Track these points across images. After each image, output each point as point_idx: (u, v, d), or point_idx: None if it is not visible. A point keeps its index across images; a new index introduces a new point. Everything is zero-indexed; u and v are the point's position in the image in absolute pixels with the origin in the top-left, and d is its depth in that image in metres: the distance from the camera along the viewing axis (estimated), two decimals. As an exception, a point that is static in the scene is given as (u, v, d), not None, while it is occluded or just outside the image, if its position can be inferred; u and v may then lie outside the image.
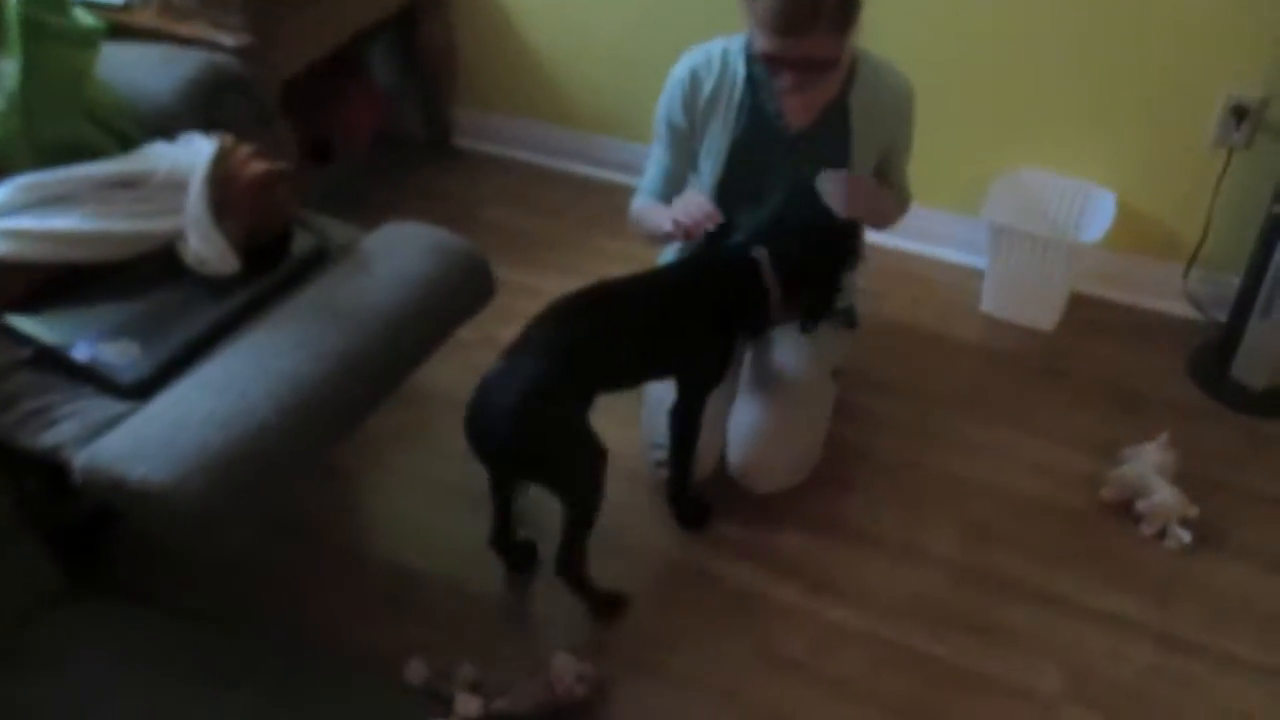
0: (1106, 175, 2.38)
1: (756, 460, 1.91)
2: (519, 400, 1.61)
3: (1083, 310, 2.46)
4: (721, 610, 1.83)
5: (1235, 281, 2.26)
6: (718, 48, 1.86)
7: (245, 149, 1.69)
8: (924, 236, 2.58)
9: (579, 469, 1.68)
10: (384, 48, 2.94)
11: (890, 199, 1.98)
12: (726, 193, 1.90)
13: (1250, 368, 2.22)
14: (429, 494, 2.05)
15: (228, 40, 2.18)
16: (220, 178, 1.64)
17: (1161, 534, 1.94)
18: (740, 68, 1.82)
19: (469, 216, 2.83)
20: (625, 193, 2.95)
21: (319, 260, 1.72)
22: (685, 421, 1.85)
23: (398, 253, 1.71)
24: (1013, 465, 2.10)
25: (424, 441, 2.14)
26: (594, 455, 1.68)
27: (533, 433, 1.63)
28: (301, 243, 1.74)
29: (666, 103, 1.89)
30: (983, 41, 2.37)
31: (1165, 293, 2.46)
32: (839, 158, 1.86)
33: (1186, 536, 1.92)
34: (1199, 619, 1.82)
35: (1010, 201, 2.43)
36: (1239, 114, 2.19)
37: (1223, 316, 2.32)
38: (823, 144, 1.86)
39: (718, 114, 1.85)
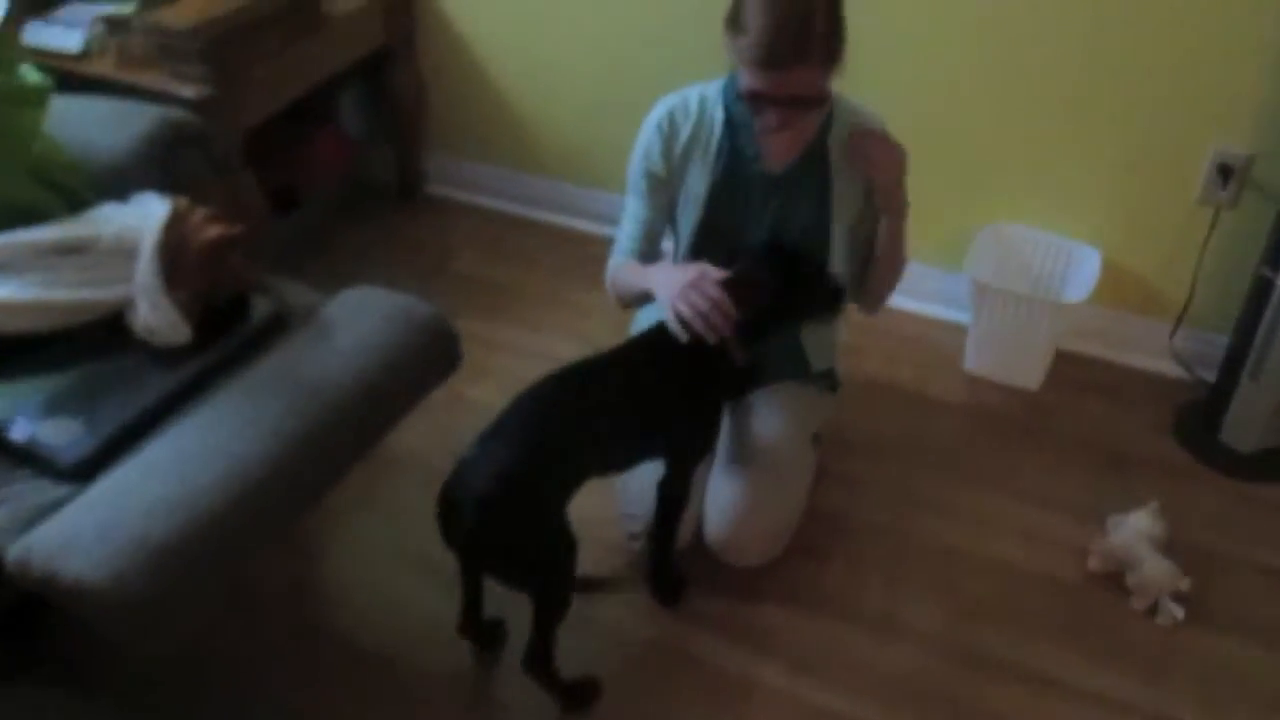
0: (1091, 231, 2.34)
1: (736, 534, 1.83)
2: (489, 490, 1.52)
3: (1068, 368, 2.41)
4: (700, 694, 1.75)
5: (1222, 340, 2.22)
6: (694, 93, 1.81)
7: (201, 212, 1.61)
8: (904, 291, 2.50)
9: (550, 565, 1.59)
10: (354, 94, 2.88)
11: (901, 235, 1.86)
12: (705, 239, 1.84)
13: (1239, 430, 2.17)
14: (392, 565, 1.96)
15: (188, 92, 2.12)
16: (173, 243, 1.56)
17: (1153, 608, 1.88)
18: (718, 111, 1.78)
19: (439, 268, 2.76)
20: (598, 242, 2.91)
21: (277, 328, 1.64)
22: (673, 496, 1.78)
23: (360, 321, 1.63)
24: (998, 533, 2.04)
25: (387, 508, 2.05)
26: (566, 550, 1.60)
27: (503, 525, 1.54)
28: (259, 309, 1.66)
29: (643, 150, 1.82)
30: (966, 94, 2.32)
31: (1151, 351, 2.41)
32: (819, 200, 1.81)
33: (1179, 612, 1.86)
34: (1193, 699, 1.75)
35: (993, 256, 2.38)
36: (1225, 172, 2.15)
37: (1209, 376, 2.28)
38: (802, 187, 1.81)
39: (696, 158, 1.80)
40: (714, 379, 1.76)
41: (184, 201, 1.62)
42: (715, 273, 1.65)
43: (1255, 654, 1.83)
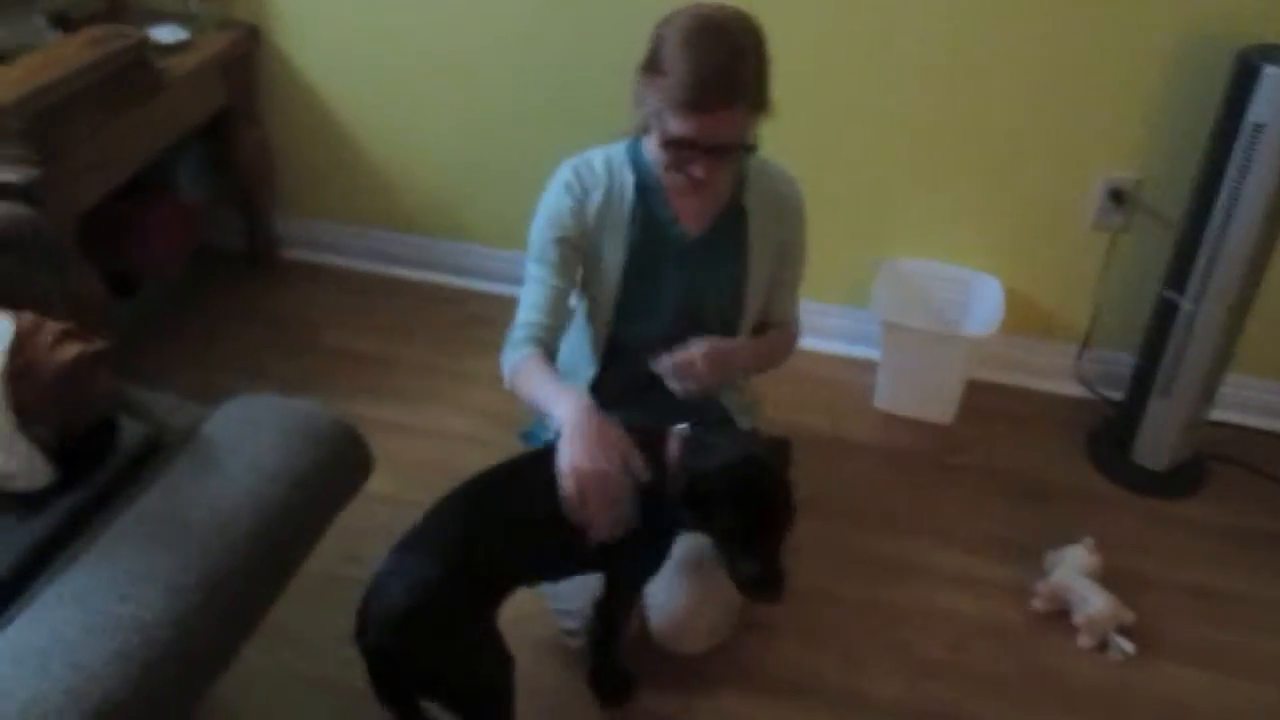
0: (990, 261, 2.33)
1: (681, 623, 1.70)
2: (405, 605, 1.37)
3: (977, 397, 2.38)
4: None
5: (1127, 360, 2.24)
6: (596, 155, 1.68)
7: (51, 327, 1.37)
8: (811, 330, 2.45)
9: (479, 682, 1.44)
10: (191, 159, 2.61)
11: (752, 352, 1.77)
12: (622, 309, 1.73)
13: (1151, 449, 2.19)
14: (296, 693, 1.74)
15: (11, 176, 1.84)
16: (20, 370, 1.32)
17: (1102, 645, 1.85)
18: (627, 175, 1.66)
19: (308, 343, 2.53)
20: (476, 299, 2.75)
21: (154, 454, 1.42)
22: (613, 614, 1.63)
23: (251, 439, 1.42)
24: (938, 583, 1.98)
25: (284, 629, 1.82)
26: (497, 664, 1.44)
27: (421, 642, 1.38)
28: (129, 433, 1.43)
29: (551, 216, 1.66)
30: (858, 130, 2.28)
31: (1058, 374, 2.42)
32: (736, 262, 1.72)
33: (1129, 647, 1.84)
34: (1156, 738, 1.73)
35: (895, 292, 2.34)
36: (1117, 197, 2.17)
37: (1116, 395, 2.29)
38: (719, 249, 1.71)
39: (609, 225, 1.67)
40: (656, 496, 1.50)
41: (29, 318, 1.37)
42: (622, 440, 1.45)
43: (1204, 680, 1.82)
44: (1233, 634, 1.90)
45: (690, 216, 1.68)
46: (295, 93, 2.56)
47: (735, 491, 1.42)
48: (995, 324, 2.18)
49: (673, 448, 1.49)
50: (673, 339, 1.65)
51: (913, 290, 2.37)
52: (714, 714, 1.73)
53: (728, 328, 1.75)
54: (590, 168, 1.67)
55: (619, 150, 1.68)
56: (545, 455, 1.48)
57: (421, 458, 2.20)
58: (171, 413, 1.50)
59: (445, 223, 2.68)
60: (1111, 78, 2.08)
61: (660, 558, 1.61)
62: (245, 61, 2.48)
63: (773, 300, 1.80)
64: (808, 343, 2.46)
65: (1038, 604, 1.92)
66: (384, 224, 2.73)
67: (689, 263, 1.70)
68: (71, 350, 1.35)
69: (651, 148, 1.61)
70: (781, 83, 2.05)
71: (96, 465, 1.38)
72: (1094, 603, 1.86)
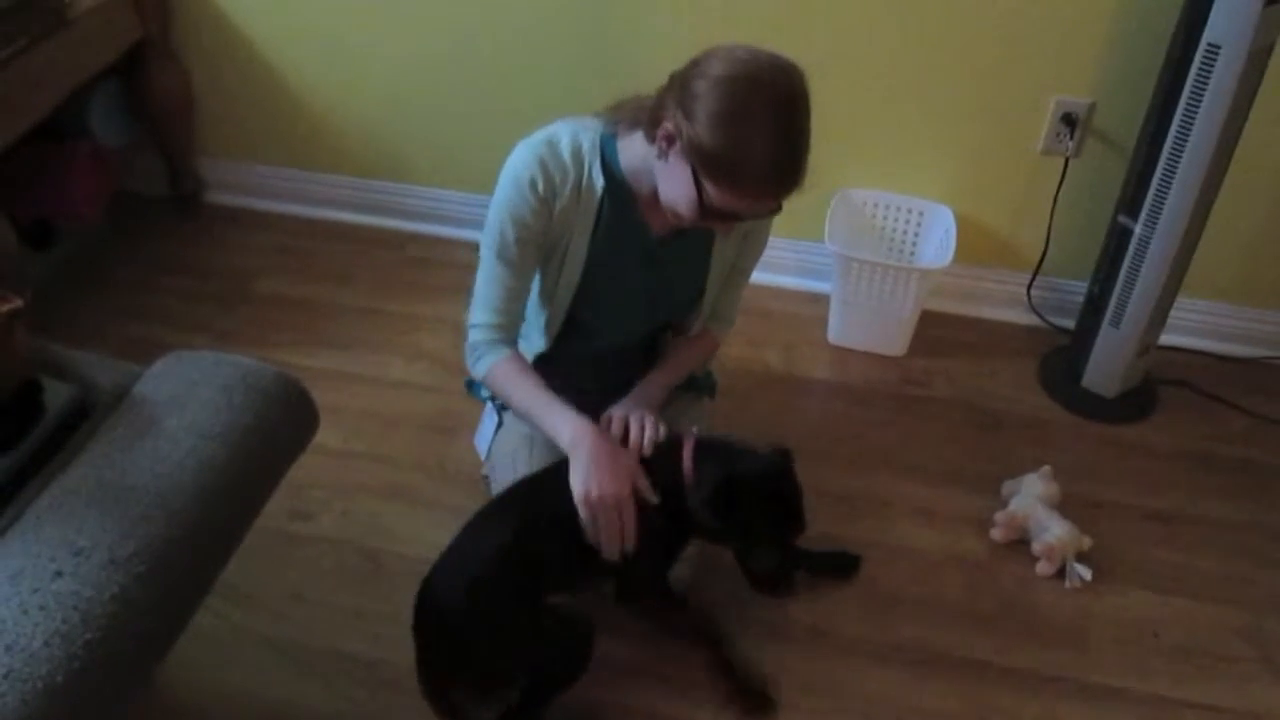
0: (941, 190, 2.29)
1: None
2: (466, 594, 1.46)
3: (930, 328, 2.36)
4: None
5: (1078, 288, 2.23)
6: (564, 141, 1.54)
7: (-39, 286, 1.27)
8: (763, 264, 2.41)
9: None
10: (104, 99, 2.46)
11: (675, 379, 1.77)
12: (584, 298, 1.65)
13: (1102, 376, 2.19)
14: (250, 657, 1.68)
15: (-94, 123, 1.71)
16: (-69, 333, 1.22)
17: (1061, 572, 1.86)
18: (597, 176, 1.54)
19: (241, 292, 2.42)
20: (418, 242, 2.65)
21: (83, 417, 1.33)
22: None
23: (188, 398, 1.33)
24: (898, 515, 1.97)
25: (236, 591, 1.75)
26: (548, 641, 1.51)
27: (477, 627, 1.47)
28: (55, 396, 1.34)
29: (514, 215, 1.54)
30: (805, 60, 2.19)
31: (1010, 303, 2.41)
32: (701, 259, 1.67)
33: (1087, 574, 1.85)
34: (1117, 661, 1.74)
35: (848, 224, 2.30)
36: (1069, 121, 2.14)
37: (1067, 324, 2.28)
38: (685, 249, 1.65)
39: (575, 223, 1.57)
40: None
41: (-63, 275, 1.27)
42: (632, 465, 1.51)
43: (1159, 603, 1.84)
44: (1191, 557, 1.92)
45: (659, 223, 1.59)
46: (217, 26, 2.41)
47: (769, 498, 1.53)
48: (949, 255, 2.15)
49: (687, 457, 1.54)
50: (629, 327, 1.70)
51: (865, 221, 2.34)
52: (682, 661, 1.70)
53: (683, 314, 1.75)
54: (558, 158, 1.53)
55: (589, 138, 1.55)
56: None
57: (365, 406, 2.13)
58: (100, 372, 1.40)
59: (382, 163, 2.57)
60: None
61: (671, 559, 1.64)
62: (158, -11, 2.33)
63: (724, 291, 1.76)
64: (759, 278, 2.41)
65: (996, 534, 1.92)
66: (315, 165, 2.61)
67: (654, 261, 1.64)
68: (-13, 309, 1.26)
69: (633, 157, 1.52)
70: (736, 14, 1.99)
71: (21, 432, 1.28)
72: (1053, 530, 1.86)
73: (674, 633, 1.72)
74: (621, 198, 1.56)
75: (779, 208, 1.45)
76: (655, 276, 1.65)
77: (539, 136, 1.55)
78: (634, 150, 1.51)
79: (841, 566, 1.85)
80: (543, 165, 1.52)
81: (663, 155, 1.43)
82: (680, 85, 1.39)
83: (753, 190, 1.39)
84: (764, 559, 1.58)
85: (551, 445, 1.58)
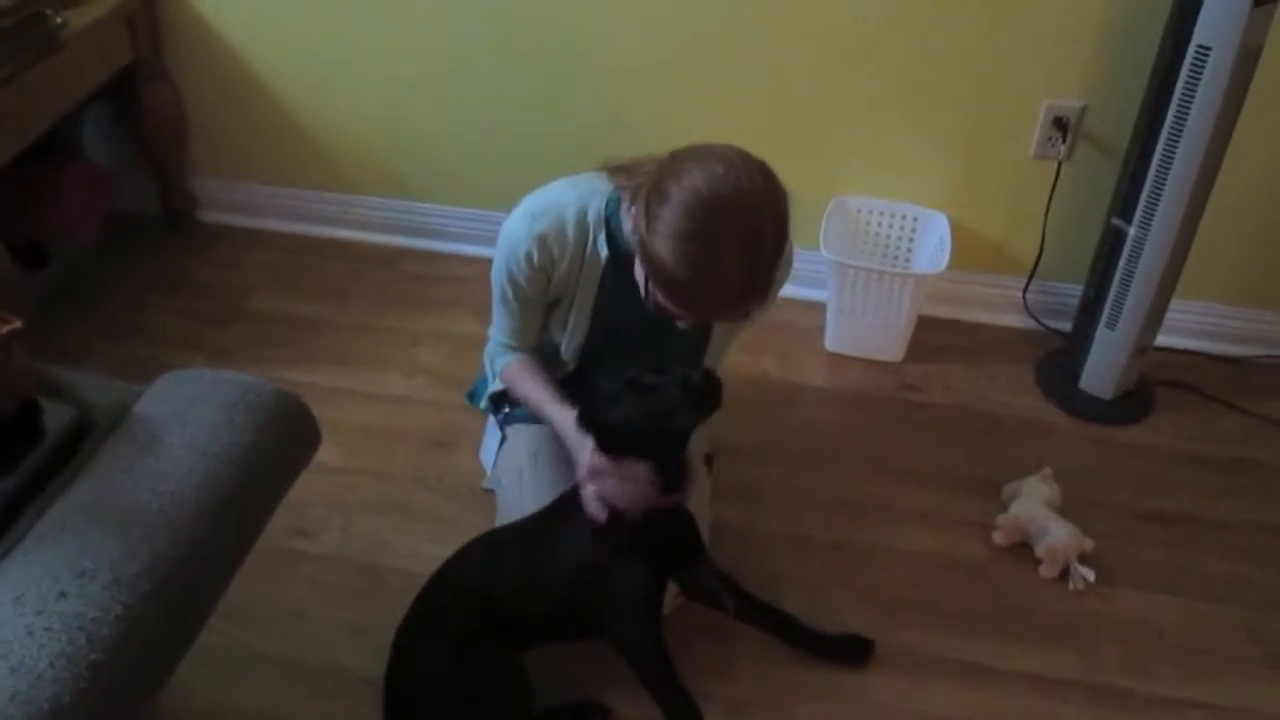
0: (935, 196, 2.30)
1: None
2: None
3: (927, 333, 2.36)
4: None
5: (1073, 290, 2.23)
6: (570, 211, 1.54)
7: (-42, 309, 1.27)
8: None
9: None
10: (96, 119, 2.46)
11: None
12: (587, 354, 1.71)
13: (1099, 378, 2.19)
14: (251, 674, 1.67)
15: (-101, 147, 1.70)
16: (-71, 356, 1.22)
17: (1064, 574, 1.86)
18: (602, 247, 1.55)
19: (235, 310, 2.42)
20: (413, 258, 2.65)
21: (84, 437, 1.33)
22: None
23: (189, 417, 1.33)
24: (899, 520, 1.97)
25: (235, 609, 1.74)
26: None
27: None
28: (54, 417, 1.33)
29: (513, 277, 1.58)
30: (798, 65, 2.21)
31: (1006, 307, 2.41)
32: (701, 329, 1.67)
33: (1090, 575, 1.85)
34: (1120, 663, 1.74)
35: (841, 232, 2.30)
36: (1061, 125, 2.15)
37: (1064, 327, 2.29)
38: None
39: (578, 287, 1.61)
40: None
41: (-65, 298, 1.27)
42: (643, 471, 1.51)
43: (1162, 604, 1.84)
44: (1192, 557, 1.92)
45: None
46: (208, 45, 2.41)
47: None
48: (944, 261, 2.16)
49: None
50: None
51: (859, 229, 2.34)
52: (684, 662, 1.69)
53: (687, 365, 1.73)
54: (559, 228, 1.54)
55: (596, 205, 1.55)
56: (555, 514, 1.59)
57: (363, 422, 2.13)
58: (99, 392, 1.40)
59: (376, 180, 2.57)
60: (1053, 2, 2.05)
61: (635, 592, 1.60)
62: (150, 12, 2.33)
63: (716, 342, 1.75)
64: (756, 286, 2.43)
65: (999, 537, 1.92)
66: (308, 183, 2.60)
67: (656, 326, 1.60)
68: (-15, 330, 1.25)
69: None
70: (725, 24, 2.00)
71: (22, 453, 1.28)
72: (1054, 533, 1.86)
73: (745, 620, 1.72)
74: (625, 268, 1.54)
75: (746, 315, 1.47)
76: (659, 340, 1.62)
77: (541, 204, 1.56)
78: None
79: (852, 653, 1.74)
80: (541, 241, 1.54)
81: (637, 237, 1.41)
82: (655, 183, 1.36)
83: (701, 311, 1.42)
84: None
85: (556, 459, 1.62)
